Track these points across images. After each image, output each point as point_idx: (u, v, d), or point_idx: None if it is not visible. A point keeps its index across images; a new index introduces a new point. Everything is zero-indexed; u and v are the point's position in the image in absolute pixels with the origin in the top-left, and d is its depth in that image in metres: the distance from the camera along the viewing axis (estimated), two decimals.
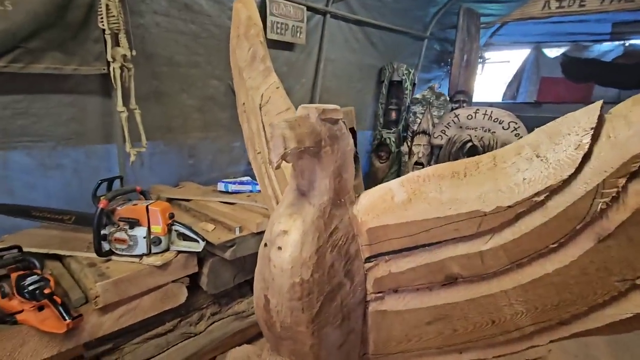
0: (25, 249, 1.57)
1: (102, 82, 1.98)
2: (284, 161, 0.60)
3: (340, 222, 0.70)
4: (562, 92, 4.78)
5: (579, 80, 4.59)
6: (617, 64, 4.29)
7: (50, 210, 1.76)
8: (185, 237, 1.71)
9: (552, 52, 4.81)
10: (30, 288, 1.29)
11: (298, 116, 0.63)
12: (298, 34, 2.82)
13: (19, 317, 1.28)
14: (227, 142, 2.82)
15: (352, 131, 2.91)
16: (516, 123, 3.19)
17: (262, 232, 1.07)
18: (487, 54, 5.21)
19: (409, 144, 3.79)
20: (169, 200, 2.19)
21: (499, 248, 0.60)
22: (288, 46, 2.92)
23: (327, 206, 0.68)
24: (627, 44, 4.27)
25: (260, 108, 1.07)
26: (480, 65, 5.15)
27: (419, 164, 3.75)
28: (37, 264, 1.45)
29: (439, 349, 0.73)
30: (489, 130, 3.29)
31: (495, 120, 3.25)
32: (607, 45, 4.39)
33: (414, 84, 3.89)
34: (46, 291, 1.29)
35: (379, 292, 0.75)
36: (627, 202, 0.50)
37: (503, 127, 3.24)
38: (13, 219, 1.76)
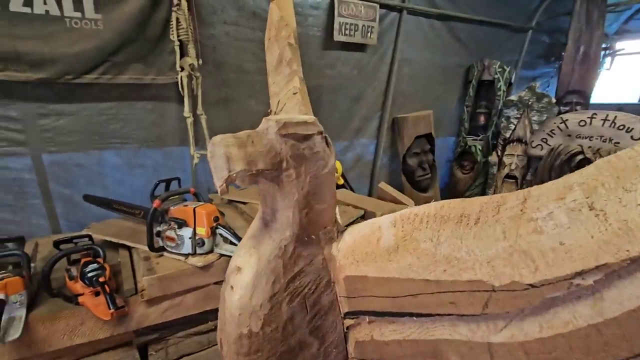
0: (100, 237, 1.79)
1: (177, 90, 2.16)
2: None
3: (309, 265, 0.56)
4: None
5: None
6: None
7: (126, 205, 1.98)
8: (231, 242, 1.73)
9: None
10: (89, 275, 1.45)
11: (251, 131, 0.51)
12: (369, 34, 2.66)
13: (80, 299, 1.45)
14: None
15: (429, 137, 2.64)
16: None
17: None
18: (618, 44, 4.16)
19: (499, 153, 3.25)
20: (229, 202, 2.28)
21: (518, 346, 0.38)
22: (359, 47, 2.78)
23: (290, 243, 0.54)
24: None
25: (275, 114, 0.97)
26: (608, 59, 4.16)
27: (511, 177, 3.19)
28: (101, 252, 1.63)
29: None
30: (610, 141, 2.59)
31: (621, 127, 2.54)
32: None
33: (510, 84, 3.32)
34: (101, 279, 1.43)
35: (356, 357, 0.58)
36: None
37: (632, 137, 2.51)
38: (104, 210, 2.05)
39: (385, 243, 0.52)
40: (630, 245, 0.30)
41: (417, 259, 0.46)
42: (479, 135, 3.45)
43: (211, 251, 1.69)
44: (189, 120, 2.07)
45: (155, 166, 2.35)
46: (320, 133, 0.55)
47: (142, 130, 2.20)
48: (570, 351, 0.34)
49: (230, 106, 2.43)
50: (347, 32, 2.55)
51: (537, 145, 2.90)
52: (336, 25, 2.47)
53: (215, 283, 1.73)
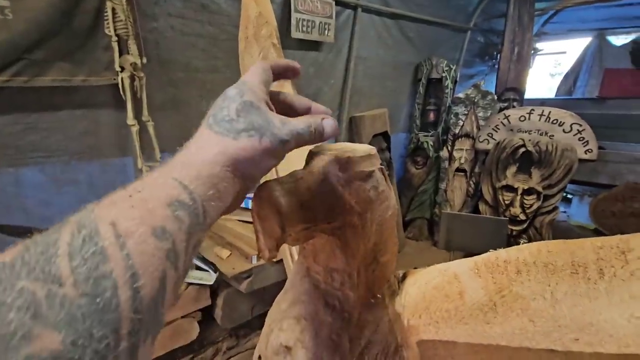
0: None
1: (115, 93, 1.84)
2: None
3: (376, 332, 0.44)
4: (629, 85, 4.15)
5: None
6: None
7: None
8: (197, 267, 1.52)
9: (619, 40, 4.18)
10: None
11: (303, 172, 0.38)
12: (326, 32, 2.56)
13: None
14: None
15: (385, 135, 2.62)
16: (580, 125, 2.73)
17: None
18: (539, 45, 4.65)
19: (449, 148, 3.41)
20: None
21: None
22: (315, 45, 2.67)
23: (355, 310, 0.42)
24: None
25: None
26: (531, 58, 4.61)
27: (461, 171, 3.37)
28: None
29: None
30: (546, 134, 2.85)
31: (555, 121, 2.81)
32: None
33: (456, 82, 3.50)
34: None
35: None
36: None
37: (564, 130, 2.79)
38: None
39: (474, 298, 0.42)
40: None
41: (531, 322, 0.38)
42: (430, 132, 3.59)
43: None
44: (134, 129, 1.78)
45: (91, 181, 1.99)
46: (381, 166, 0.44)
47: (72, 140, 1.85)
48: None
49: (180, 109, 2.16)
50: (305, 29, 2.42)
51: (483, 140, 3.09)
52: (293, 22, 2.33)
53: (184, 317, 1.52)
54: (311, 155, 0.40)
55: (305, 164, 0.40)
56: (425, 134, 3.60)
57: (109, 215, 0.23)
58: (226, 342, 1.72)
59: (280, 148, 0.34)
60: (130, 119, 1.76)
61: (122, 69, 1.68)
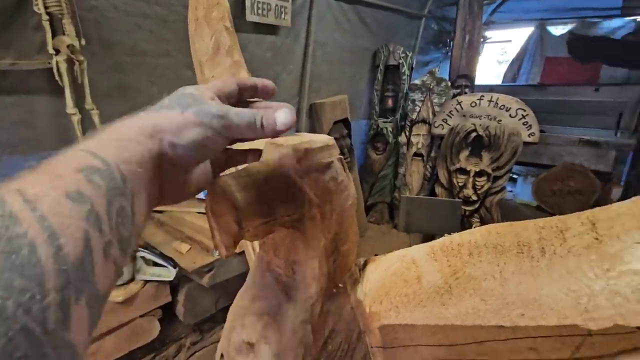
0: None
1: (51, 78, 1.67)
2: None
3: (339, 320, 0.45)
4: (567, 73, 4.51)
5: (586, 59, 4.31)
6: (628, 42, 4.01)
7: None
8: (154, 262, 1.45)
9: (558, 30, 4.50)
10: None
11: (258, 165, 0.36)
12: (283, 15, 2.49)
13: None
14: None
15: (346, 122, 2.65)
16: (524, 110, 2.93)
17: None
18: (487, 33, 4.88)
19: (407, 133, 3.52)
20: None
21: None
22: (272, 29, 2.59)
23: (317, 301, 0.42)
24: (639, 20, 3.97)
25: None
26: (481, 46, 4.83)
27: (419, 155, 3.50)
28: None
29: None
30: (495, 119, 3.03)
31: (502, 107, 2.99)
32: (617, 22, 4.10)
33: (412, 69, 3.58)
34: None
35: None
36: None
37: (510, 115, 2.98)
38: None
39: (431, 282, 0.44)
40: None
41: (483, 301, 0.40)
42: (389, 118, 3.67)
43: (132, 279, 1.39)
44: (75, 118, 1.63)
45: None
46: (340, 156, 0.43)
47: (3, 131, 1.65)
48: None
49: (128, 96, 2.00)
50: (260, 11, 2.33)
51: (439, 125, 3.22)
52: (248, 4, 2.23)
53: (142, 316, 1.45)
54: (267, 148, 0.39)
55: (261, 157, 0.39)
56: (385, 120, 3.67)
57: (14, 185, 0.22)
58: (190, 337, 1.68)
59: (209, 121, 0.32)
60: (70, 108, 1.61)
61: (57, 51, 1.52)
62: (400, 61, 3.42)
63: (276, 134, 0.35)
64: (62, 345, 0.20)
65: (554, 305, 0.36)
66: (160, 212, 1.92)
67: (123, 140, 0.28)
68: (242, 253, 1.55)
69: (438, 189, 3.27)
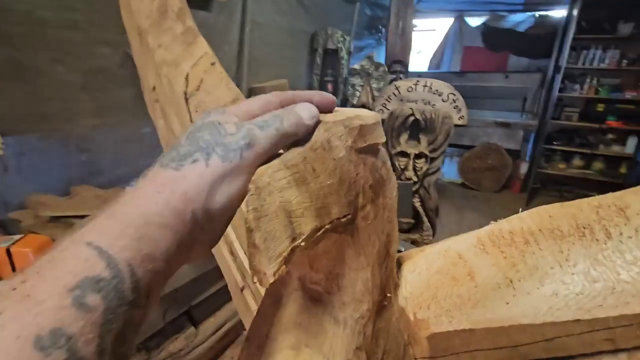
0: None
1: None
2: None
3: (388, 338, 0.37)
4: (482, 61, 4.97)
5: (497, 49, 4.80)
6: (529, 34, 4.55)
7: None
8: None
9: (474, 22, 4.91)
10: None
11: (304, 149, 0.26)
12: None
13: None
14: (134, 129, 2.19)
15: None
16: (454, 95, 3.14)
17: None
18: (414, 22, 5.11)
19: None
20: (55, 218, 1.58)
21: None
22: (203, 3, 2.32)
23: (370, 320, 0.34)
24: (537, 15, 4.53)
25: (186, 97, 0.64)
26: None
27: None
28: None
29: None
30: (429, 103, 3.19)
31: (435, 92, 3.15)
32: (520, 16, 4.62)
33: (350, 53, 3.58)
34: None
35: None
36: None
37: (442, 99, 3.16)
38: None
39: (487, 278, 0.38)
40: None
41: (554, 295, 0.36)
42: None
43: None
44: None
45: None
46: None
47: None
48: None
49: (25, 76, 1.61)
50: None
51: (379, 110, 3.28)
52: None
53: None
54: (319, 132, 0.28)
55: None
56: None
57: None
58: (135, 358, 1.45)
59: (239, 159, 0.25)
60: None
61: None
62: (339, 45, 3.38)
63: (308, 129, 0.27)
64: None
65: (634, 291, 0.33)
66: (81, 216, 1.61)
67: (146, 227, 0.22)
68: None
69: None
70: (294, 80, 3.44)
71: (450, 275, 0.40)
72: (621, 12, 3.69)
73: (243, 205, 0.24)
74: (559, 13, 4.33)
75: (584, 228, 0.37)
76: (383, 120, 3.26)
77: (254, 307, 0.64)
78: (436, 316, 0.39)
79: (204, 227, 0.25)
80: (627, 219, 0.36)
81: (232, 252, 0.65)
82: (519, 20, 4.63)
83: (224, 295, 1.94)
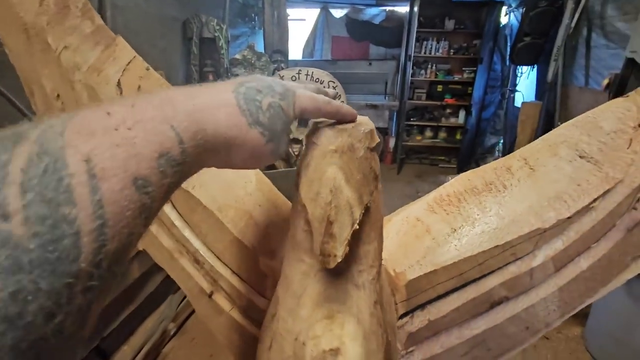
0: None
1: None
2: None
3: (383, 291, 0.47)
4: (349, 50, 5.50)
5: (360, 39, 5.37)
6: (383, 27, 5.25)
7: None
8: None
9: (338, 13, 5.35)
10: None
11: (339, 146, 0.33)
12: None
13: None
14: None
15: None
16: (334, 82, 3.43)
17: None
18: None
19: None
20: None
21: (549, 260, 0.55)
22: None
23: (378, 280, 0.43)
24: (387, 10, 5.24)
25: None
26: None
27: None
28: None
29: None
30: None
31: (317, 80, 3.38)
32: (375, 10, 5.26)
33: (228, 42, 3.48)
34: None
35: (410, 348, 0.59)
36: None
37: (324, 87, 3.41)
38: None
39: (438, 230, 0.52)
40: (617, 174, 0.51)
41: (482, 232, 0.52)
42: None
43: None
44: None
45: None
46: None
47: None
48: (577, 247, 0.54)
49: None
50: None
51: None
52: None
53: None
54: (329, 133, 0.35)
55: (323, 144, 0.34)
56: None
57: (85, 147, 0.19)
58: None
59: (278, 150, 0.33)
60: None
61: None
62: (216, 34, 3.24)
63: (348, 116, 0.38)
64: (74, 343, 0.19)
65: (523, 220, 0.52)
66: None
67: (209, 143, 0.27)
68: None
69: (277, 161, 3.45)
70: (170, 71, 3.16)
71: (414, 234, 0.53)
72: (446, 10, 4.63)
73: (310, 206, 0.30)
74: (403, 9, 5.12)
75: (490, 184, 0.54)
76: None
77: (228, 307, 0.66)
78: (409, 267, 0.51)
79: (221, 165, 0.32)
80: (512, 174, 0.55)
81: (197, 261, 0.65)
82: (374, 13, 5.27)
83: (135, 320, 1.76)
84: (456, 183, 0.55)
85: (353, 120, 0.38)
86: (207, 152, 0.27)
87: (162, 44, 3.01)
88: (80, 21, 0.62)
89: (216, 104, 0.28)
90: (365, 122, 0.38)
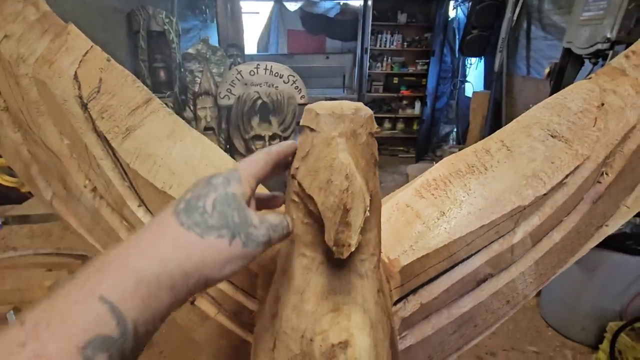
0: None
1: None
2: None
3: (381, 279, 0.47)
4: (305, 44, 5.46)
5: (315, 33, 5.36)
6: (338, 20, 5.27)
7: None
8: None
9: (292, 6, 5.28)
10: None
11: (343, 132, 0.32)
12: None
13: None
14: None
15: None
16: (294, 76, 3.38)
17: None
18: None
19: (191, 108, 3.30)
20: None
21: (527, 236, 0.58)
22: None
23: (379, 268, 0.43)
24: (341, 3, 5.27)
25: (83, 102, 0.52)
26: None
27: (209, 129, 3.40)
28: None
29: (458, 350, 0.68)
30: (272, 85, 3.34)
31: (276, 74, 3.32)
32: (329, 3, 5.26)
33: (179, 35, 3.29)
34: None
35: (403, 333, 0.60)
36: (614, 166, 0.58)
37: (284, 81, 3.36)
38: None
39: (428, 215, 0.53)
40: (585, 151, 0.54)
41: (469, 213, 0.53)
42: (166, 92, 3.28)
43: None
44: None
45: None
46: None
47: None
48: (551, 221, 0.58)
49: None
50: None
51: (224, 96, 3.22)
52: None
53: None
54: (328, 120, 0.33)
55: (320, 131, 0.33)
56: (161, 95, 3.26)
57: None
58: None
59: (254, 250, 0.31)
60: None
61: None
62: (166, 27, 3.06)
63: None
64: None
65: (505, 198, 0.54)
66: None
67: (156, 287, 0.24)
68: None
69: (237, 159, 3.35)
70: None
71: (404, 220, 0.53)
72: (399, 4, 4.75)
73: (319, 196, 0.28)
74: (357, 2, 5.17)
75: (472, 166, 0.56)
76: (229, 107, 3.22)
77: (213, 312, 0.63)
78: (403, 253, 0.51)
79: (200, 291, 0.30)
80: (491, 156, 0.57)
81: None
82: (329, 6, 5.28)
83: None
84: (440, 167, 0.57)
85: (294, 150, 0.37)
86: (160, 299, 0.25)
87: (103, 38, 2.78)
88: (23, 7, 0.55)
89: (158, 235, 0.27)
90: (363, 107, 0.36)
